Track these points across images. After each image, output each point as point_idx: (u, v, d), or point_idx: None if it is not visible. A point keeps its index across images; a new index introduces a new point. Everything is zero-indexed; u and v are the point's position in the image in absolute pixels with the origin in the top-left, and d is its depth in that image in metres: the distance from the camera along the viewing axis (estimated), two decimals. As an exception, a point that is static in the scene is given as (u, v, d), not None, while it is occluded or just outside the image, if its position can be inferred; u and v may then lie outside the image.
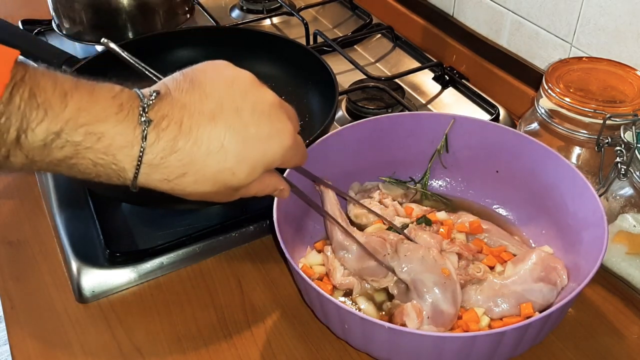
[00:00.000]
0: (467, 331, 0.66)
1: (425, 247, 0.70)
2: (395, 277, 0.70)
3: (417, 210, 0.81)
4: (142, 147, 0.51)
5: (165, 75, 0.58)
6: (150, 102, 0.52)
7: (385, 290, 0.71)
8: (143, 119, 0.51)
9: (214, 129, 0.53)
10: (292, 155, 0.59)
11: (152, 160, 0.52)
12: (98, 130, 0.49)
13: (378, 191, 0.84)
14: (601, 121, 0.77)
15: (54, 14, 1.18)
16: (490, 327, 0.68)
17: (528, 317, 0.64)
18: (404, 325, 0.65)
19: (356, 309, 0.69)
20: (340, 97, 1.02)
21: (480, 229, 0.78)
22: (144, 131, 0.51)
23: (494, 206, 0.84)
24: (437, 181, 0.87)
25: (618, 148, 0.74)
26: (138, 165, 0.52)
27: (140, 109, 0.51)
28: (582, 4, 0.93)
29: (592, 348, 0.71)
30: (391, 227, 0.78)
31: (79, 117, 0.48)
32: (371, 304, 0.71)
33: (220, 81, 0.56)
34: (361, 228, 0.81)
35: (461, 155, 0.84)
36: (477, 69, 1.13)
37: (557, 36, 0.99)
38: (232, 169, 0.55)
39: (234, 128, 0.54)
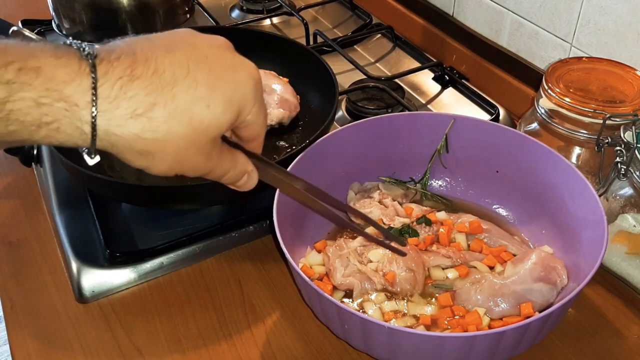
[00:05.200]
0: (467, 331, 0.66)
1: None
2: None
3: (417, 210, 0.81)
4: (93, 77, 0.45)
5: None
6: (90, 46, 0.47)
7: (385, 290, 0.71)
8: (86, 52, 0.45)
9: (174, 58, 0.48)
10: (261, 98, 0.54)
11: (110, 92, 0.45)
12: (33, 65, 0.43)
13: (378, 191, 0.84)
14: (601, 121, 0.77)
15: (54, 14, 1.18)
16: (490, 327, 0.68)
17: (528, 317, 0.64)
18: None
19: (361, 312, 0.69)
20: (340, 97, 1.02)
21: (480, 229, 0.78)
22: (91, 63, 0.45)
23: (494, 206, 0.84)
24: (437, 181, 0.87)
25: (618, 148, 0.74)
26: (94, 100, 0.45)
27: (80, 47, 0.46)
28: (582, 4, 0.93)
29: (592, 348, 0.71)
30: (391, 228, 0.78)
31: (7, 56, 0.43)
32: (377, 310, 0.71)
33: (165, 33, 0.52)
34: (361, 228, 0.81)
35: (461, 155, 0.84)
36: (477, 69, 1.13)
37: (557, 36, 0.99)
38: (206, 100, 0.49)
39: (195, 57, 0.49)
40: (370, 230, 0.78)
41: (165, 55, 0.48)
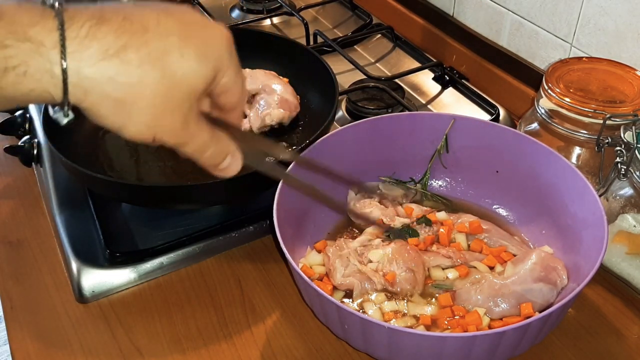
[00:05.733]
0: (467, 331, 0.66)
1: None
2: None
3: (417, 210, 0.81)
4: (59, 20, 0.43)
5: None
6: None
7: (385, 290, 0.71)
8: (50, 3, 0.44)
9: (143, 10, 0.47)
10: (237, 61, 0.52)
11: (79, 32, 0.44)
12: None
13: (378, 191, 0.84)
14: (601, 121, 0.77)
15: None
16: (490, 327, 0.68)
17: (528, 317, 0.64)
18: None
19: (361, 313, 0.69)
20: (340, 97, 1.02)
21: (480, 229, 0.78)
22: (56, 9, 0.44)
23: (494, 206, 0.84)
24: (437, 181, 0.87)
25: (618, 148, 0.74)
26: (62, 39, 0.43)
27: (44, 1, 0.44)
28: (582, 4, 0.93)
29: (592, 348, 0.71)
30: (390, 229, 0.78)
31: None
32: (378, 310, 0.71)
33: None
34: (361, 228, 0.81)
35: (461, 155, 0.84)
36: (477, 69, 1.13)
37: (557, 36, 0.99)
38: (180, 49, 0.47)
39: (165, 11, 0.48)
40: (371, 230, 0.78)
41: (134, 8, 0.47)
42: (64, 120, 0.47)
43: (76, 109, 0.47)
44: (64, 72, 0.44)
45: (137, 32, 0.46)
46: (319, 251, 0.76)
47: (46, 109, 0.85)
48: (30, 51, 0.43)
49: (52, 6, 0.44)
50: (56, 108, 0.47)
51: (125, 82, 0.46)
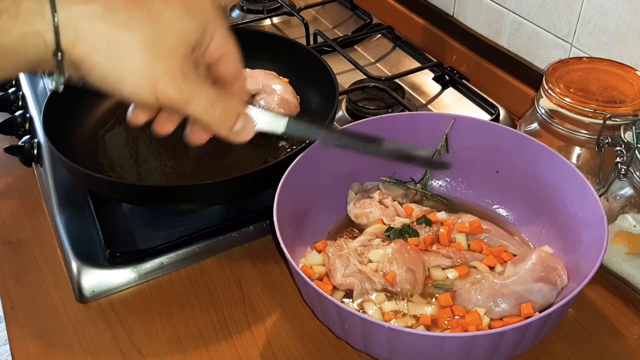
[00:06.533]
0: (467, 331, 0.66)
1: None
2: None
3: (417, 210, 0.81)
4: None
5: None
6: None
7: (385, 290, 0.71)
8: None
9: None
10: (223, 23, 0.53)
11: None
12: None
13: (378, 191, 0.84)
14: (601, 121, 0.77)
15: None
16: (490, 327, 0.68)
17: (528, 317, 0.64)
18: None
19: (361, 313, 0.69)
20: (340, 97, 1.02)
21: (480, 229, 0.78)
22: None
23: (494, 206, 0.84)
24: (437, 181, 0.87)
25: (618, 148, 0.74)
26: None
27: None
28: (582, 4, 0.93)
29: (592, 348, 0.71)
30: (390, 228, 0.78)
31: None
32: (377, 310, 0.71)
33: None
34: (361, 228, 0.81)
35: (461, 155, 0.84)
36: (477, 69, 1.13)
37: (557, 36, 0.99)
38: (163, 1, 0.48)
39: None
40: (371, 230, 0.78)
41: None
42: (61, 82, 0.47)
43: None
44: (53, 4, 0.44)
45: None
46: (319, 251, 0.76)
47: (46, 110, 0.85)
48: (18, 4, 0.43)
49: None
50: (53, 76, 0.47)
51: (114, 21, 0.46)
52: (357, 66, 1.10)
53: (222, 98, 0.53)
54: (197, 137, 0.58)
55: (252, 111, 0.58)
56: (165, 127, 0.58)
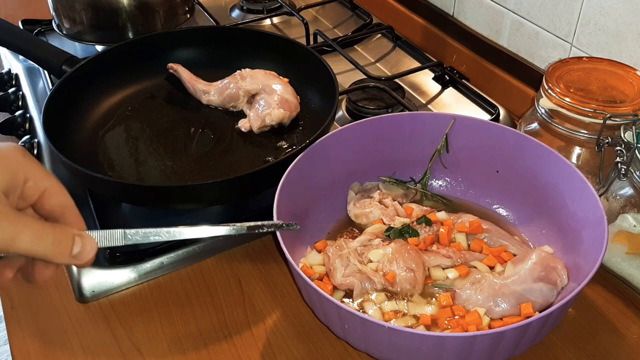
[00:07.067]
0: (467, 331, 0.66)
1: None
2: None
3: (417, 210, 0.81)
4: None
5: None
6: None
7: (386, 290, 0.71)
8: None
9: None
10: (35, 165, 0.54)
11: None
12: None
13: (378, 191, 0.84)
14: (601, 121, 0.77)
15: (54, 14, 1.18)
16: (490, 327, 0.68)
17: (528, 317, 0.64)
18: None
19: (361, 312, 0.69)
20: (340, 97, 1.02)
21: (480, 229, 0.78)
22: None
23: (494, 206, 0.84)
24: (437, 181, 0.87)
25: (618, 148, 0.74)
26: None
27: None
28: (582, 4, 0.93)
29: (592, 348, 0.71)
30: (390, 228, 0.78)
31: None
32: (378, 310, 0.71)
33: None
34: (361, 228, 0.81)
35: (461, 155, 0.84)
36: (477, 69, 1.13)
37: (557, 36, 0.99)
38: None
39: None
40: (371, 230, 0.78)
41: None
42: None
43: None
44: None
45: None
46: (319, 251, 0.76)
47: (46, 110, 0.85)
48: None
49: None
50: None
51: None
52: (357, 66, 1.10)
53: (51, 227, 0.52)
54: (40, 274, 0.56)
55: (91, 232, 0.57)
56: (3, 273, 0.56)
